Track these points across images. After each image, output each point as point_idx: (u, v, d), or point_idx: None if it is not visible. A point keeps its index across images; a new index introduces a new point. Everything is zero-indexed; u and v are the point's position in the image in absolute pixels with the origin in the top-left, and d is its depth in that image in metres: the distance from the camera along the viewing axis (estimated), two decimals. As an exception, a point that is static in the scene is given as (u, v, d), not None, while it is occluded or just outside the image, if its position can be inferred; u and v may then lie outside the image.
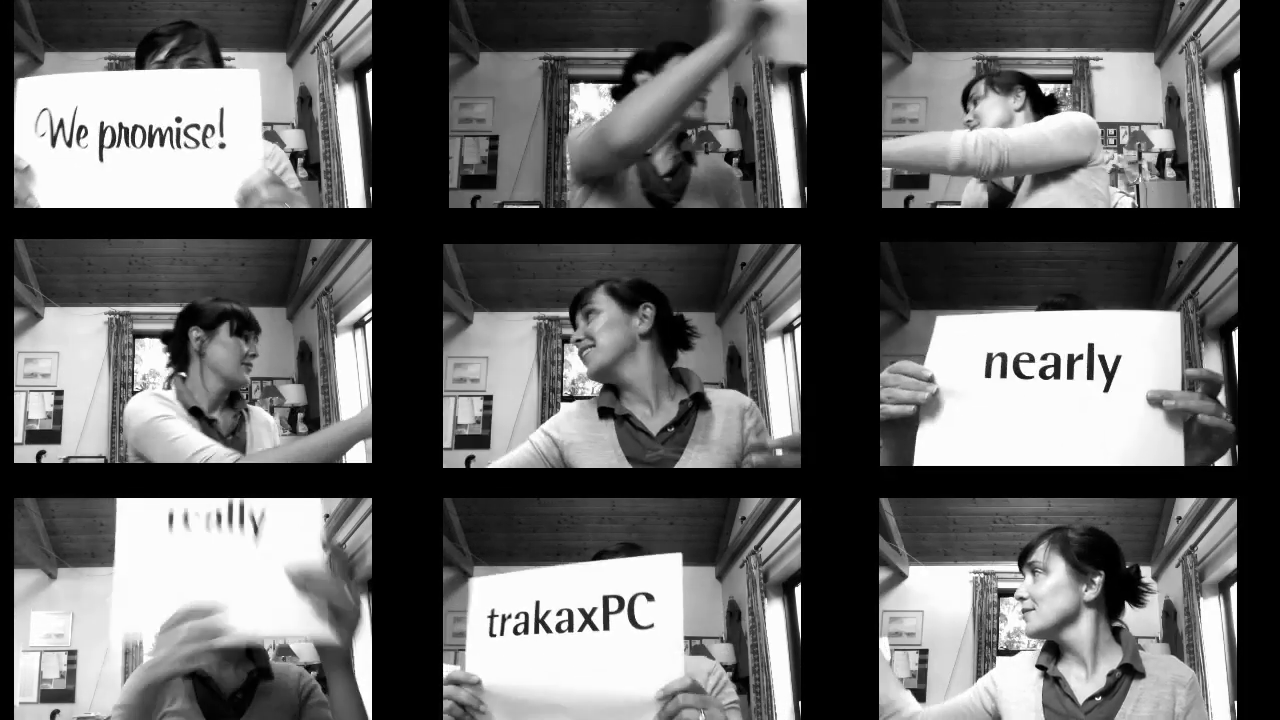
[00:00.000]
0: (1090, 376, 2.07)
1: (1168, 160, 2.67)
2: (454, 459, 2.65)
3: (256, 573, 2.09)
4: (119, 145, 2.16)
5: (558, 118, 2.68)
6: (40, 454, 2.66)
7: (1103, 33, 2.69)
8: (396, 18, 2.26)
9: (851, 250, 2.26)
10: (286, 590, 2.10)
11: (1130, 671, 2.30)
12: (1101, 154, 2.54)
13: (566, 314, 2.58)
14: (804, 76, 2.40)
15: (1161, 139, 2.68)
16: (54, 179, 2.18)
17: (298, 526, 2.12)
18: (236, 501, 2.11)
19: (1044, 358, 2.08)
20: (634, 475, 2.44)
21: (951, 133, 2.49)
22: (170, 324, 2.59)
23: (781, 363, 2.72)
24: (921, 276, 2.61)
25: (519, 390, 2.75)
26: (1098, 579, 2.30)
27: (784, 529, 2.64)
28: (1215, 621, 2.63)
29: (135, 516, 2.10)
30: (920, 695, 2.69)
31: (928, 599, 2.72)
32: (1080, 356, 2.08)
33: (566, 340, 2.76)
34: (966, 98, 2.60)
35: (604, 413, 2.46)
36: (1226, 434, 2.10)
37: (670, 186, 2.50)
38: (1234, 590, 2.43)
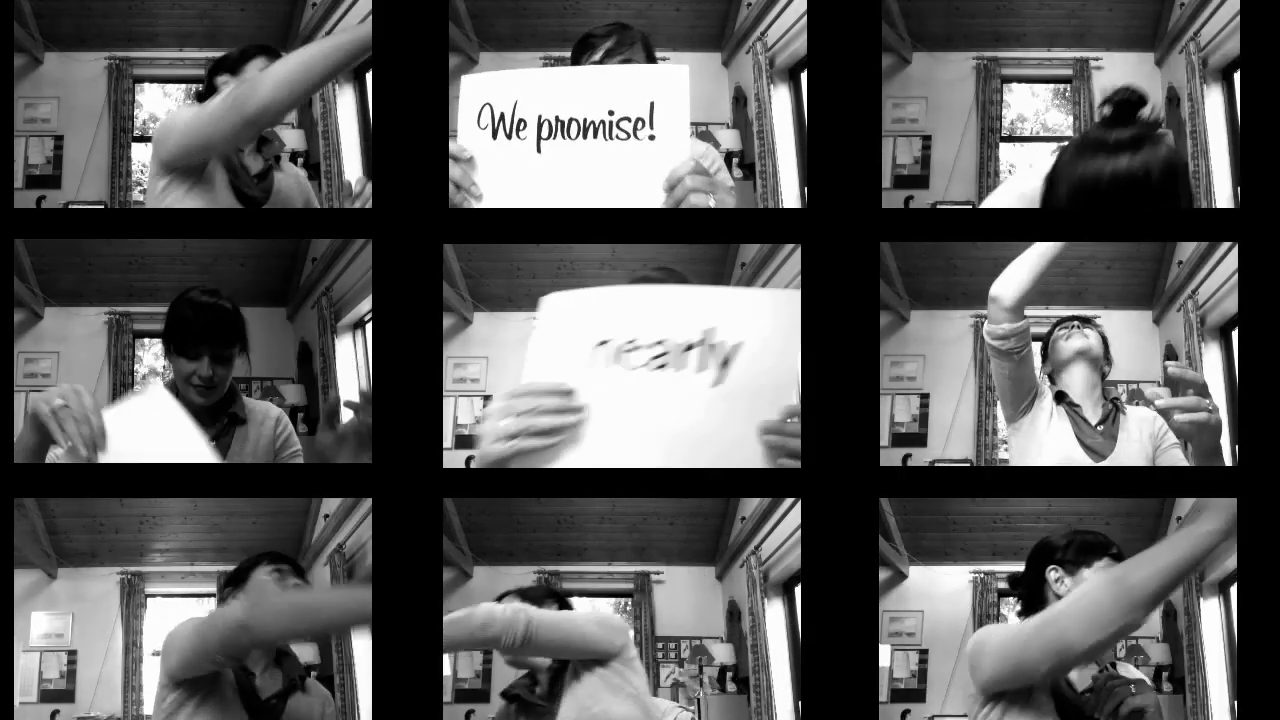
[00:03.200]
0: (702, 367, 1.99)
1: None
2: (454, 459, 2.65)
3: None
4: (555, 137, 2.24)
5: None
6: (40, 454, 2.65)
7: (1103, 33, 2.69)
8: (396, 18, 2.26)
9: (851, 250, 2.26)
10: None
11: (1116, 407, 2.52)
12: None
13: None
14: (804, 76, 2.40)
15: (1161, 139, 2.68)
16: (494, 169, 2.24)
17: None
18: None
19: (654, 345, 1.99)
20: (634, 475, 2.44)
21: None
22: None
23: (781, 363, 2.71)
24: (921, 276, 2.61)
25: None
26: None
27: (784, 529, 2.64)
28: (1215, 621, 2.63)
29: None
30: (920, 695, 2.69)
31: (928, 599, 2.72)
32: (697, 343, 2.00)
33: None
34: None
35: None
36: (1215, 430, 2.12)
37: (259, 187, 2.55)
38: (1234, 590, 2.43)
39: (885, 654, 2.66)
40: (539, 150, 2.24)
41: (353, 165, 2.68)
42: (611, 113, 2.24)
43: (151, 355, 2.74)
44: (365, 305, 2.63)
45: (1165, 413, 2.18)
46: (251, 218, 2.42)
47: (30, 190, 2.60)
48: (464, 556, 2.65)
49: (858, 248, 2.26)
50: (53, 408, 2.21)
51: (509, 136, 2.25)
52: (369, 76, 2.63)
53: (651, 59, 2.53)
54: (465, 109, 2.25)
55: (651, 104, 2.22)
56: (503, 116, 2.25)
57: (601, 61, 2.51)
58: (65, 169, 2.63)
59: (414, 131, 2.26)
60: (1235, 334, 2.61)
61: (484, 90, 2.26)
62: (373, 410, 2.24)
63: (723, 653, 2.70)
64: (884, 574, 2.67)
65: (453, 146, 2.25)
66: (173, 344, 2.52)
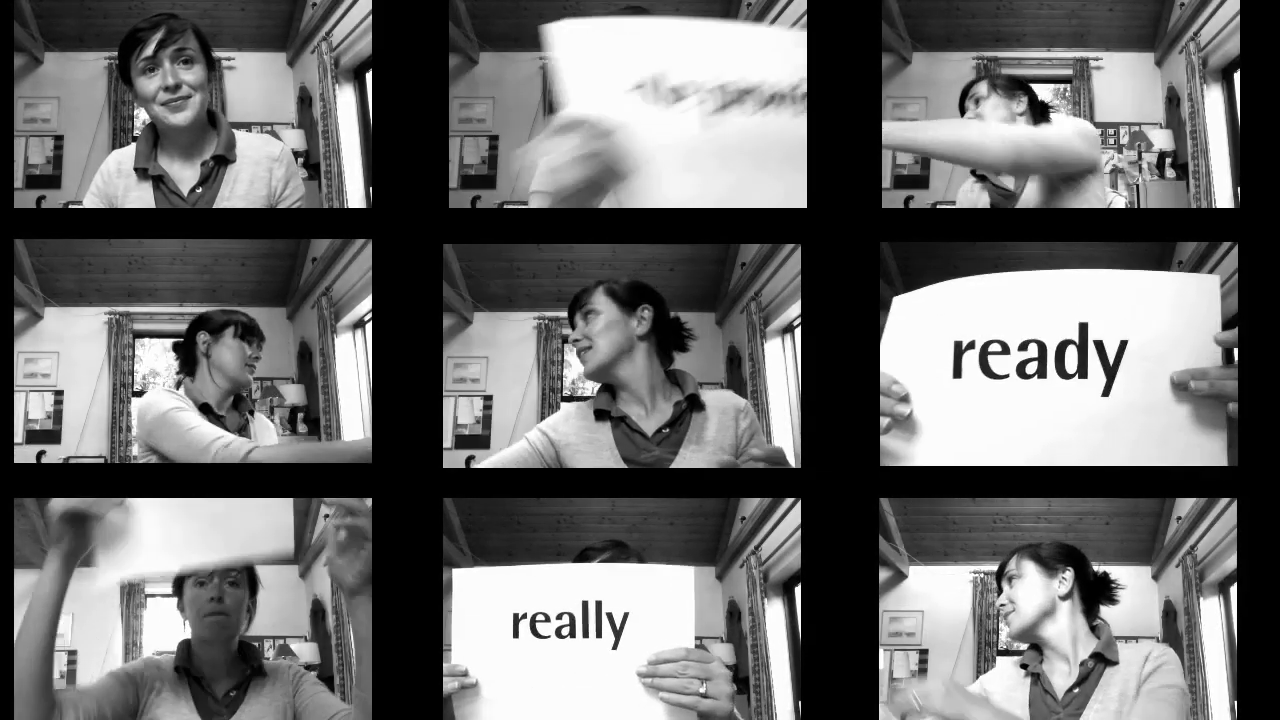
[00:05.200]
0: (1084, 374, 1.98)
1: (1168, 160, 2.67)
2: (454, 459, 2.65)
3: None
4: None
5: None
6: (40, 454, 2.66)
7: (1103, 33, 2.68)
8: (396, 18, 2.26)
9: (851, 250, 2.26)
10: None
11: (1102, 659, 2.36)
12: (1103, 160, 2.53)
13: (566, 314, 2.58)
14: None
15: (1161, 139, 2.68)
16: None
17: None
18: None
19: (1022, 348, 1.98)
20: (634, 475, 2.44)
21: (975, 123, 2.48)
22: (170, 324, 2.61)
23: (781, 363, 2.71)
24: (921, 276, 2.61)
25: (519, 390, 2.75)
26: (1068, 573, 2.39)
27: (784, 529, 2.64)
28: (1215, 621, 2.63)
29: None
30: (920, 695, 2.69)
31: (928, 599, 2.72)
32: (1071, 343, 1.97)
33: (566, 340, 2.76)
34: (966, 96, 2.60)
35: (600, 415, 2.49)
36: (723, 714, 2.14)
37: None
38: (1234, 590, 2.43)
39: (884, 658, 2.66)
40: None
41: (353, 165, 2.68)
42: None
43: (152, 355, 2.74)
44: (365, 305, 2.63)
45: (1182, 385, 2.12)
46: (251, 218, 2.42)
47: (30, 190, 2.60)
48: (464, 556, 2.65)
49: (858, 248, 2.26)
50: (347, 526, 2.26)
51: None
52: (369, 76, 2.63)
53: (206, 48, 2.48)
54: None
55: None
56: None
57: (154, 55, 2.45)
58: (65, 169, 2.63)
59: (414, 131, 2.26)
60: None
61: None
62: (373, 410, 2.24)
63: (723, 653, 2.70)
64: (884, 574, 2.67)
65: None
66: (238, 328, 2.57)
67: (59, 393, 2.68)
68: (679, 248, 2.65)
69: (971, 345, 2.04)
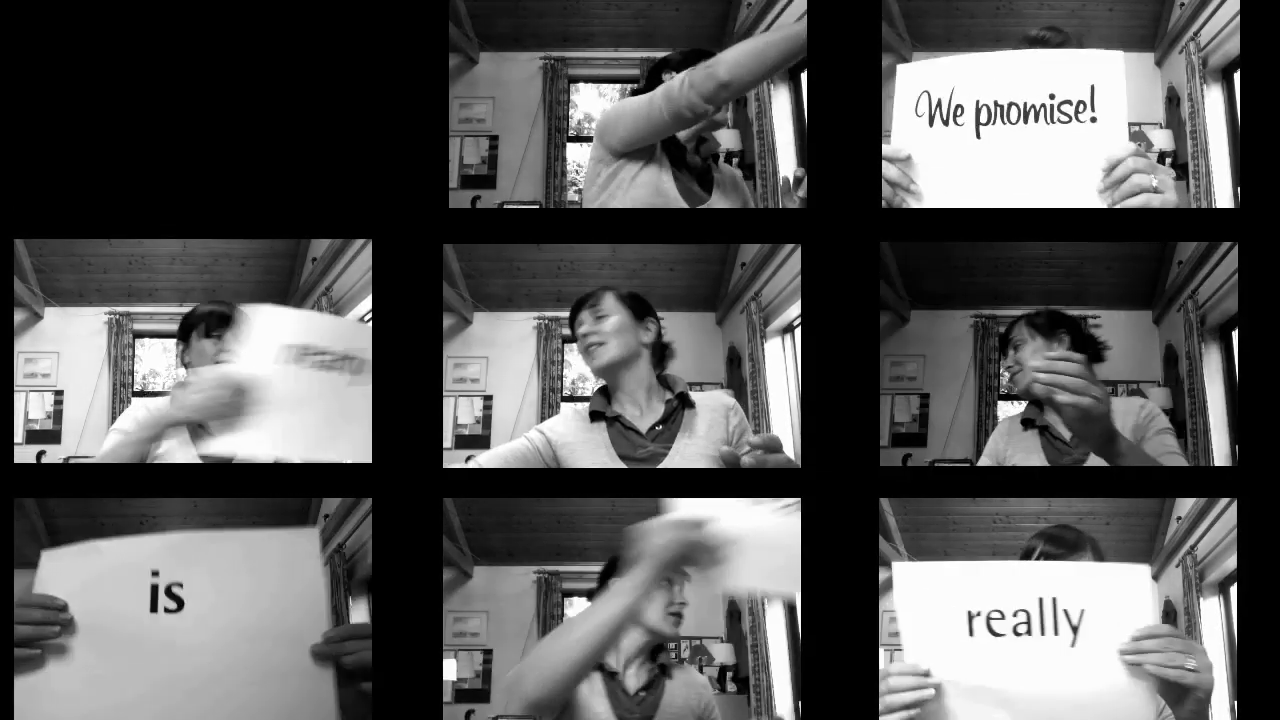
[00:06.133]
0: (1056, 631, 2.09)
1: (1168, 160, 2.67)
2: (454, 459, 2.65)
3: None
4: (994, 122, 2.24)
5: (558, 118, 2.68)
6: (40, 454, 2.66)
7: (1103, 32, 2.68)
8: (397, 16, 2.26)
9: (851, 250, 2.26)
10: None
11: (684, 400, 2.53)
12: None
13: (566, 314, 2.58)
14: (804, 76, 2.40)
15: (1161, 139, 2.68)
16: (932, 157, 2.25)
17: None
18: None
19: (1015, 614, 2.10)
20: (634, 475, 2.44)
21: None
22: (170, 324, 2.62)
23: (781, 363, 2.72)
24: (921, 276, 2.61)
25: (519, 390, 2.75)
26: (1065, 337, 2.50)
27: (784, 529, 2.64)
28: (1215, 621, 2.63)
29: None
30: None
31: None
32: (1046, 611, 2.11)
33: (566, 340, 2.76)
34: (1006, 344, 2.59)
35: (595, 416, 2.53)
36: (1101, 419, 2.18)
37: (698, 187, 2.55)
38: (1234, 590, 2.43)
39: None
40: (978, 136, 2.24)
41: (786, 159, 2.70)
42: (1052, 96, 2.22)
43: (152, 355, 2.74)
44: (365, 305, 2.63)
45: (1048, 388, 2.19)
46: (251, 219, 2.41)
47: (465, 190, 2.61)
48: (464, 556, 2.65)
49: (858, 248, 2.26)
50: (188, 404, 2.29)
51: (945, 124, 2.25)
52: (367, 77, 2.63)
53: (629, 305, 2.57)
54: (902, 97, 2.26)
55: (1092, 87, 2.21)
56: (940, 103, 2.25)
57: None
58: (500, 169, 2.64)
59: (414, 131, 2.26)
60: (1235, 334, 2.61)
61: (921, 78, 2.26)
62: (373, 410, 2.24)
63: (723, 653, 2.70)
64: (884, 574, 2.66)
65: (887, 148, 2.25)
66: (204, 327, 2.57)
67: (59, 392, 2.69)
68: (679, 248, 2.65)
69: (979, 613, 2.13)
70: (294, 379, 2.34)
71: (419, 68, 2.26)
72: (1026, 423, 2.53)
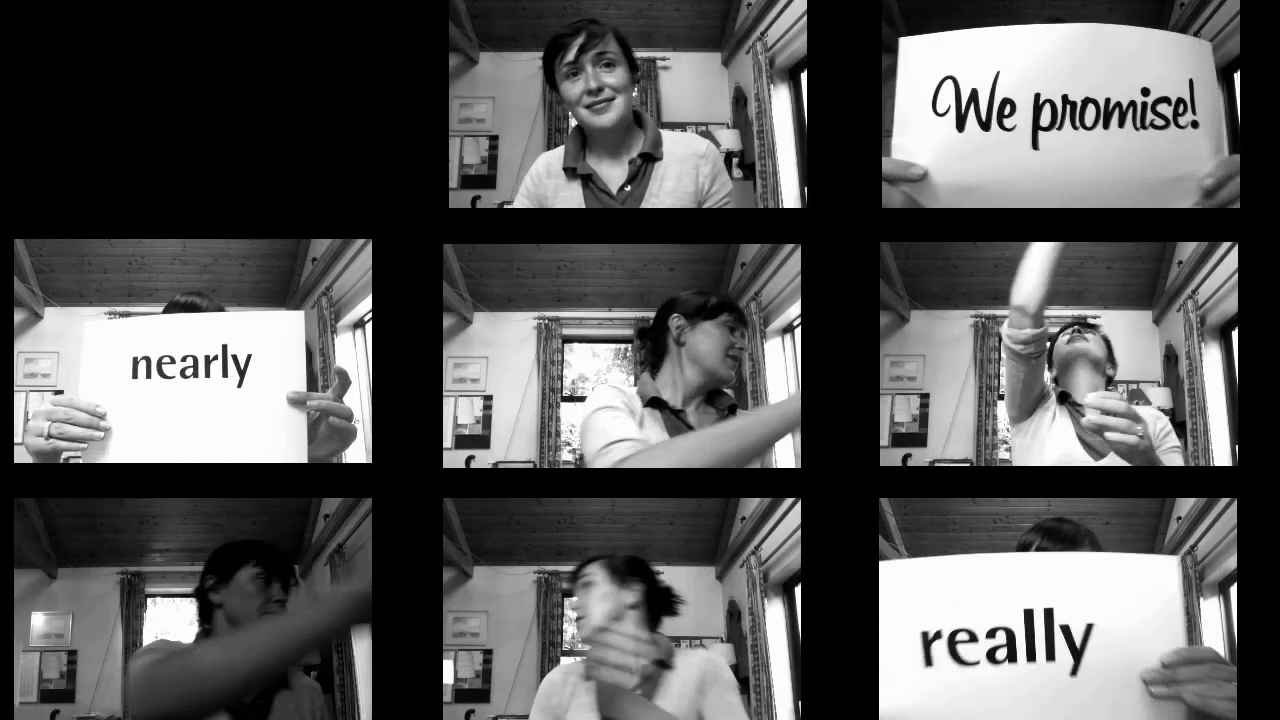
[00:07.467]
0: (1050, 655, 1.76)
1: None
2: (454, 459, 2.65)
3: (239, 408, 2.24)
4: (1060, 127, 1.83)
5: (557, 117, 2.68)
6: (40, 454, 2.65)
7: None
8: (397, 16, 2.26)
9: (851, 250, 2.26)
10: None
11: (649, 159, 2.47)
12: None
13: (566, 314, 2.58)
14: (804, 76, 2.40)
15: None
16: (962, 172, 1.92)
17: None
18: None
19: (990, 635, 1.78)
20: (634, 475, 2.44)
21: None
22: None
23: (781, 363, 2.72)
24: (921, 276, 2.61)
25: (519, 390, 2.75)
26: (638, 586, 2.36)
27: (784, 529, 2.64)
28: (1215, 621, 2.63)
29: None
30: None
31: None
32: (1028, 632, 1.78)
33: (566, 340, 2.76)
34: (576, 579, 2.39)
35: (569, 172, 2.49)
36: (1145, 454, 2.20)
37: None
38: (1234, 590, 2.43)
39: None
40: (1035, 146, 1.81)
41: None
42: (1146, 91, 1.80)
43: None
44: (365, 305, 2.63)
45: (1098, 429, 2.21)
46: (251, 219, 2.41)
47: (465, 190, 2.61)
48: (464, 556, 2.65)
49: (858, 248, 2.26)
50: (49, 433, 2.26)
51: (985, 126, 1.79)
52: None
53: (627, 51, 2.49)
54: (913, 86, 1.82)
55: (1190, 81, 1.79)
56: (975, 95, 1.81)
57: (576, 60, 2.46)
58: (500, 169, 2.64)
59: (414, 131, 2.26)
60: (1235, 334, 2.61)
61: (941, 59, 1.83)
62: (373, 410, 2.24)
63: (723, 653, 2.70)
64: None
65: (890, 162, 1.83)
66: (729, 316, 2.52)
67: (58, 392, 2.68)
68: (679, 248, 2.65)
69: (939, 635, 1.83)
70: (145, 391, 2.31)
71: (419, 68, 2.26)
72: (1063, 396, 2.53)
